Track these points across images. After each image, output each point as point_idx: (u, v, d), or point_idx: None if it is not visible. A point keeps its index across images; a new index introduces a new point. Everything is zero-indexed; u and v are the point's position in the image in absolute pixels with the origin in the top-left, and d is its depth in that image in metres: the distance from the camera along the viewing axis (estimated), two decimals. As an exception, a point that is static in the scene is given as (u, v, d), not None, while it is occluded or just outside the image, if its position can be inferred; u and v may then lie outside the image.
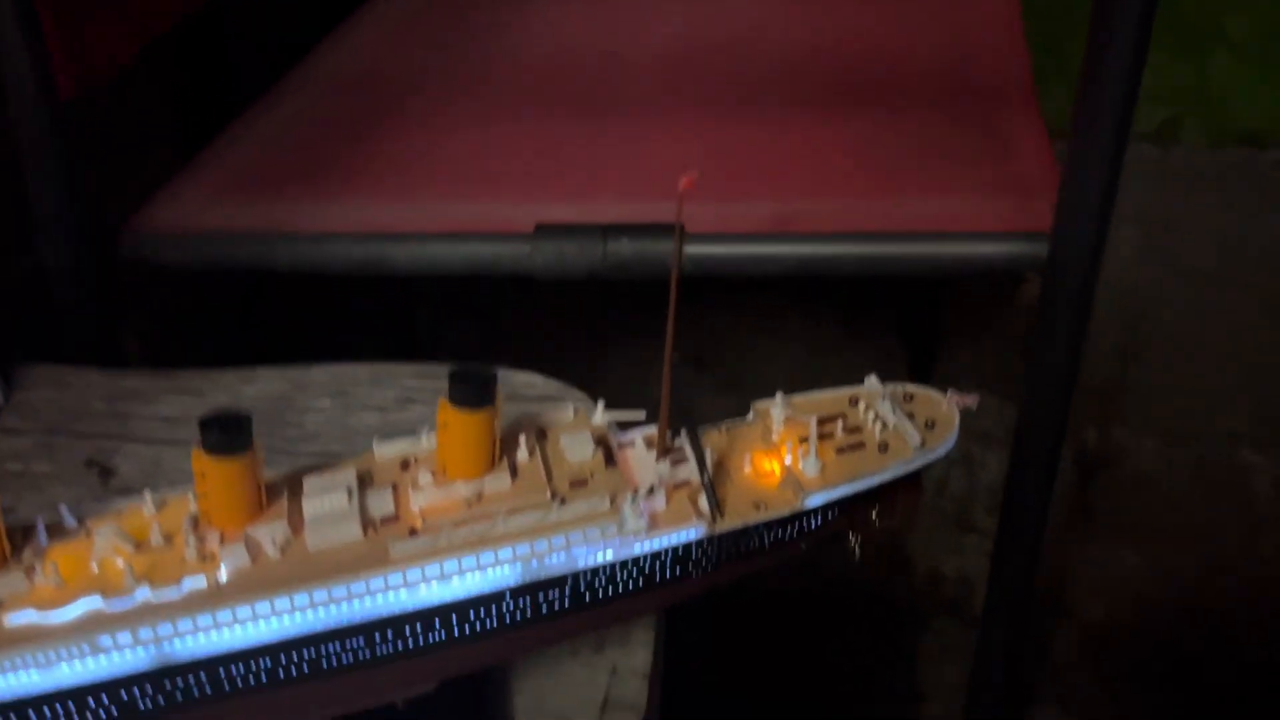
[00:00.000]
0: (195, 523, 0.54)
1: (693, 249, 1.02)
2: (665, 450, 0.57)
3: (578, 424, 0.59)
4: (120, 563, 0.53)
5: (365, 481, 0.56)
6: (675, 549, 0.56)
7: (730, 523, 0.56)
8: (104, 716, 0.53)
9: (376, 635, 0.54)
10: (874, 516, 0.61)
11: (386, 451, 0.58)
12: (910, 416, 0.59)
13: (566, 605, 0.56)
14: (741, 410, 0.61)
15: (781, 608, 1.44)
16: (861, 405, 0.60)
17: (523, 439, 0.56)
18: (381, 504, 0.55)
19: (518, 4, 1.48)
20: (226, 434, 0.51)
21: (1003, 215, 0.99)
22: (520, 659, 0.62)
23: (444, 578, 0.53)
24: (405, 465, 0.58)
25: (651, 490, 0.55)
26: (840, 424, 0.59)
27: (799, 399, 0.61)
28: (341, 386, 0.92)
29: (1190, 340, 1.81)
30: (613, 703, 0.67)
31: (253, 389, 0.93)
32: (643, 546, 0.55)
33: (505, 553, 0.53)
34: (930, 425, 0.59)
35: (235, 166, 1.18)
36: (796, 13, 1.41)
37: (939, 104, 1.19)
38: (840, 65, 1.28)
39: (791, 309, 1.96)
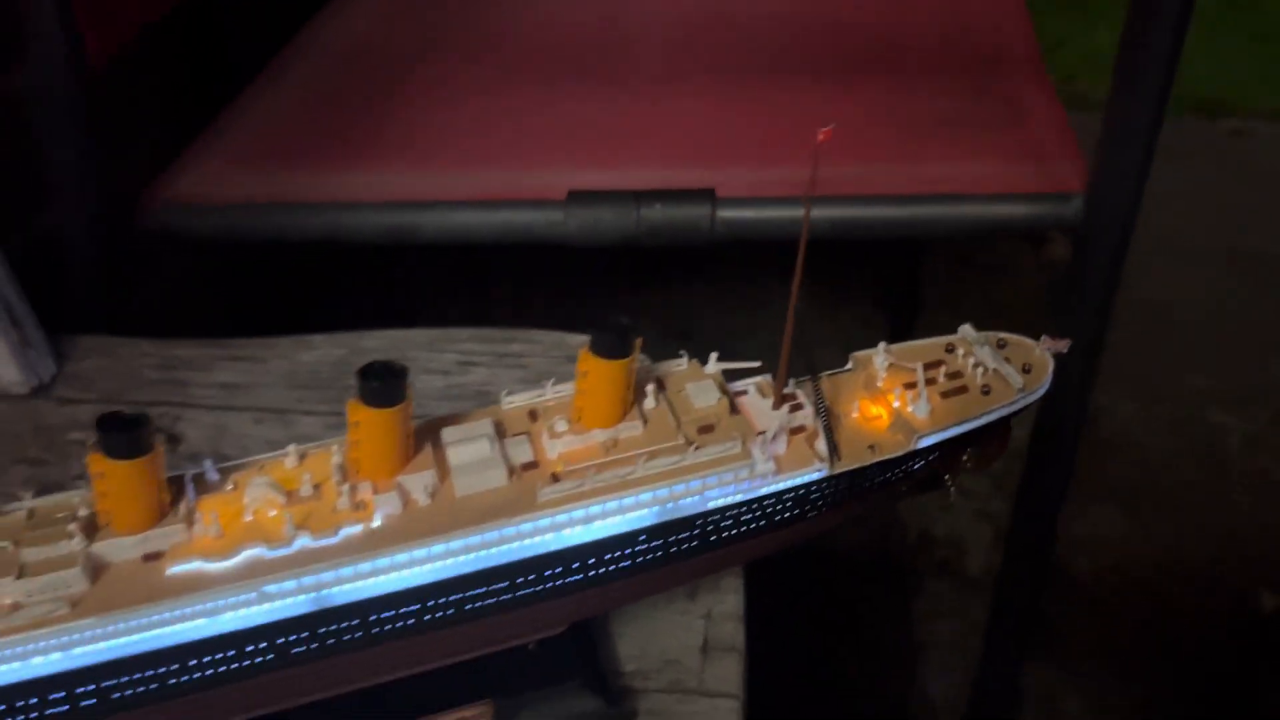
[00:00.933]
0: (344, 473, 0.55)
1: (726, 213, 1.04)
2: (783, 398, 0.60)
3: (694, 373, 0.61)
4: (273, 513, 0.54)
5: (499, 431, 0.58)
6: (797, 490, 0.59)
7: (847, 464, 0.59)
8: (261, 662, 0.55)
9: (519, 578, 0.56)
10: (965, 458, 0.65)
11: (514, 402, 0.60)
12: (1006, 361, 0.63)
13: (693, 546, 0.59)
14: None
15: (788, 566, 1.49)
16: (960, 352, 0.64)
17: (650, 388, 0.59)
18: (520, 452, 0.57)
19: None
20: (385, 385, 0.53)
21: (1025, 177, 1.03)
22: (644, 600, 0.64)
23: (587, 520, 0.55)
24: (533, 415, 0.60)
25: (774, 435, 0.58)
26: (942, 370, 0.62)
27: (897, 348, 0.64)
28: (400, 351, 0.93)
29: (1157, 306, 1.88)
30: (712, 645, 0.70)
31: (310, 355, 0.94)
32: (769, 487, 0.58)
33: (645, 495, 0.56)
34: (1026, 369, 0.62)
35: (250, 137, 1.18)
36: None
37: (949, 71, 1.23)
38: (850, 34, 1.31)
39: (772, 282, 2.00)
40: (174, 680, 0.54)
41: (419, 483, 0.55)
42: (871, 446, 0.60)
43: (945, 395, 0.61)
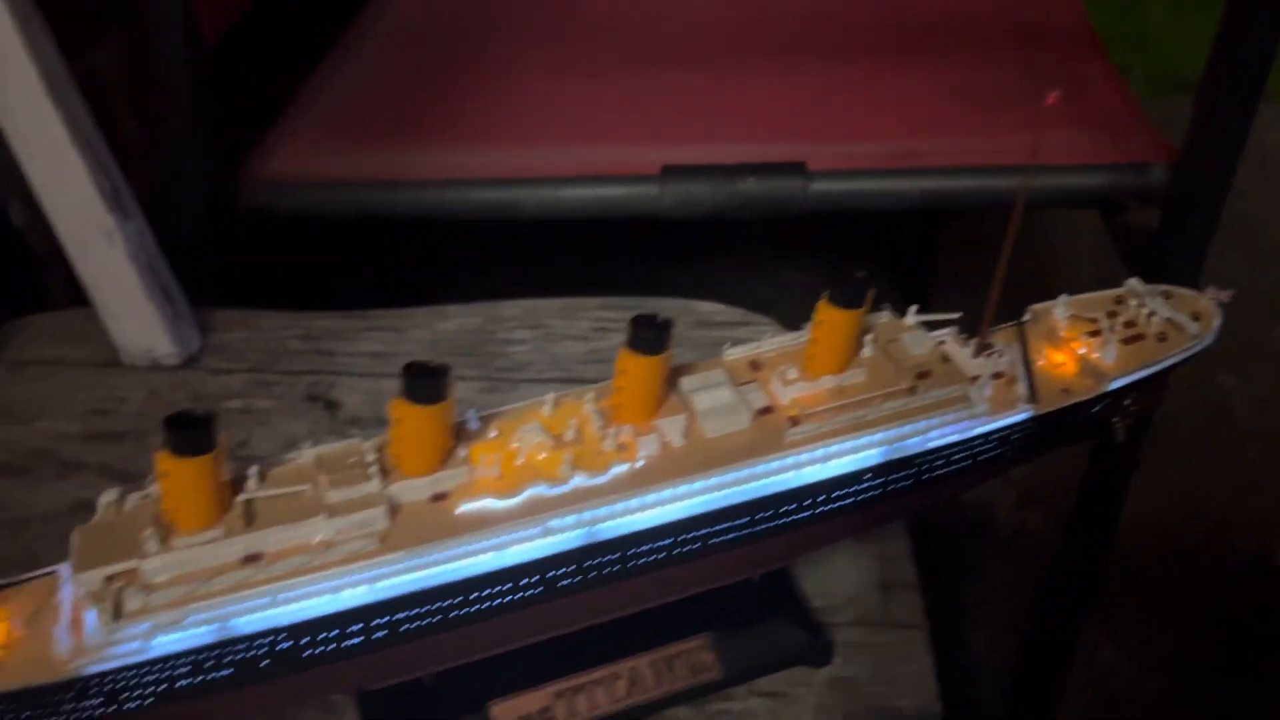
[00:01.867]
0: (604, 418, 0.60)
1: (820, 185, 1.09)
2: (985, 346, 0.65)
3: (895, 324, 0.66)
4: (543, 455, 0.58)
5: (730, 380, 0.63)
6: (1003, 431, 0.64)
7: (1047, 406, 0.64)
8: (530, 595, 0.59)
9: (758, 514, 0.61)
10: (1127, 404, 0.70)
11: (735, 354, 0.65)
12: (1175, 311, 0.68)
13: (905, 486, 0.64)
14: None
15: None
16: (1132, 303, 0.69)
17: (868, 338, 0.64)
18: (755, 398, 0.62)
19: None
20: (655, 336, 0.57)
21: (1101, 148, 1.09)
22: (858, 537, 0.69)
23: (825, 459, 0.60)
24: (754, 365, 0.64)
25: (985, 379, 0.63)
26: (1118, 320, 0.68)
27: (1072, 300, 0.70)
28: (535, 320, 0.97)
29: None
30: (889, 582, 0.75)
31: (449, 325, 0.97)
32: (981, 428, 0.63)
33: (877, 435, 0.61)
34: (1195, 317, 0.68)
35: (336, 115, 1.20)
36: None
37: (1010, 45, 1.28)
38: (908, 9, 1.36)
39: (783, 256, 2.05)
40: (455, 613, 0.58)
41: (673, 426, 0.59)
42: (1064, 390, 0.65)
43: (1125, 342, 0.67)
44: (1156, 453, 1.72)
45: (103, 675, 0.52)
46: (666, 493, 0.58)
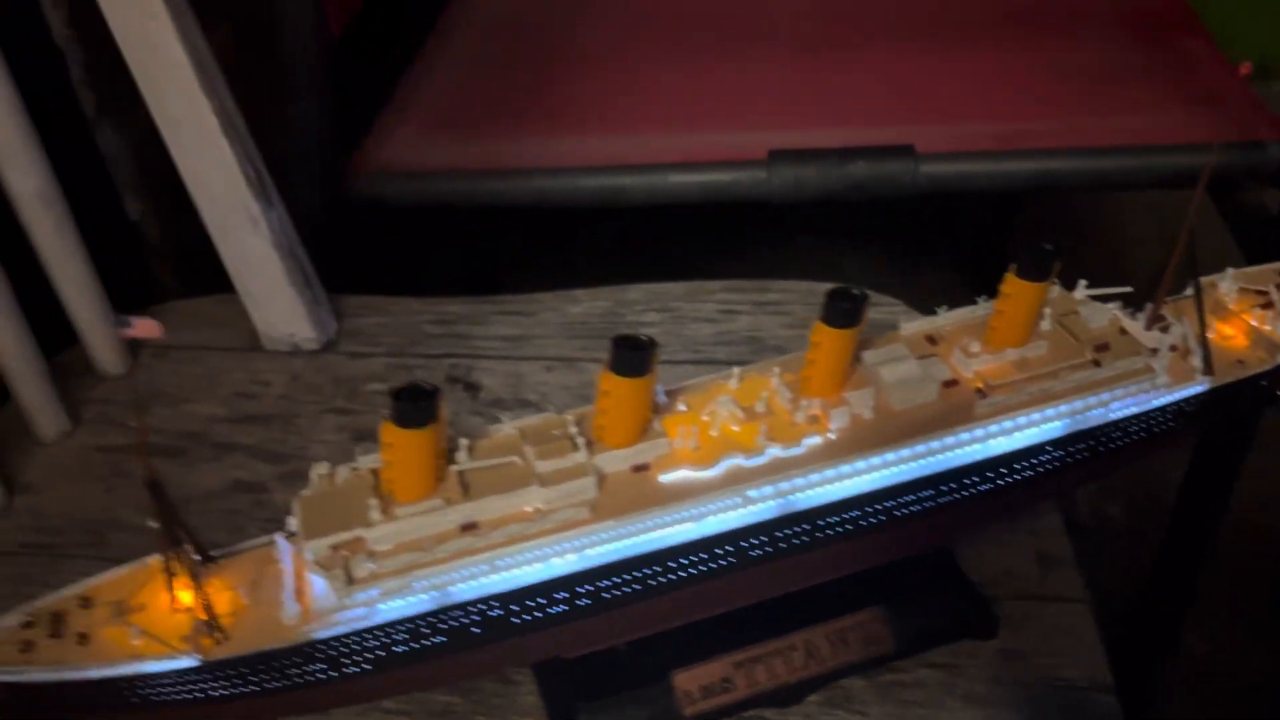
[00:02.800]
0: (794, 391, 0.60)
1: (929, 167, 1.09)
2: (1158, 319, 0.66)
3: (1066, 299, 0.67)
4: (736, 428, 0.59)
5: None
6: (1180, 403, 0.64)
7: (1223, 378, 0.65)
8: (724, 565, 0.60)
9: (942, 486, 0.62)
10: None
11: (911, 328, 0.65)
12: (1344, 286, 0.69)
13: (1083, 459, 0.65)
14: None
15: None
16: (1301, 276, 0.69)
17: (1047, 311, 0.64)
18: (938, 370, 0.62)
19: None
20: (852, 307, 0.58)
21: (1212, 126, 1.09)
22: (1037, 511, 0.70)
23: (1014, 430, 0.61)
24: (930, 340, 0.65)
25: (1163, 352, 0.63)
26: (1284, 293, 0.68)
27: (1239, 272, 0.70)
28: (662, 303, 0.98)
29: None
30: (1045, 556, 0.76)
31: (578, 309, 0.98)
32: (1160, 400, 0.64)
33: (1063, 407, 0.61)
34: (1361, 292, 0.68)
35: (441, 105, 1.21)
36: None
37: (1113, 24, 1.28)
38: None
39: (841, 244, 2.05)
40: (652, 582, 0.59)
41: (862, 399, 0.60)
42: (1238, 361, 0.65)
43: (1294, 315, 0.67)
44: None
45: (329, 640, 0.54)
46: (861, 464, 0.59)
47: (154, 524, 0.52)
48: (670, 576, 0.59)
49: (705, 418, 0.60)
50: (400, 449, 0.53)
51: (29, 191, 0.83)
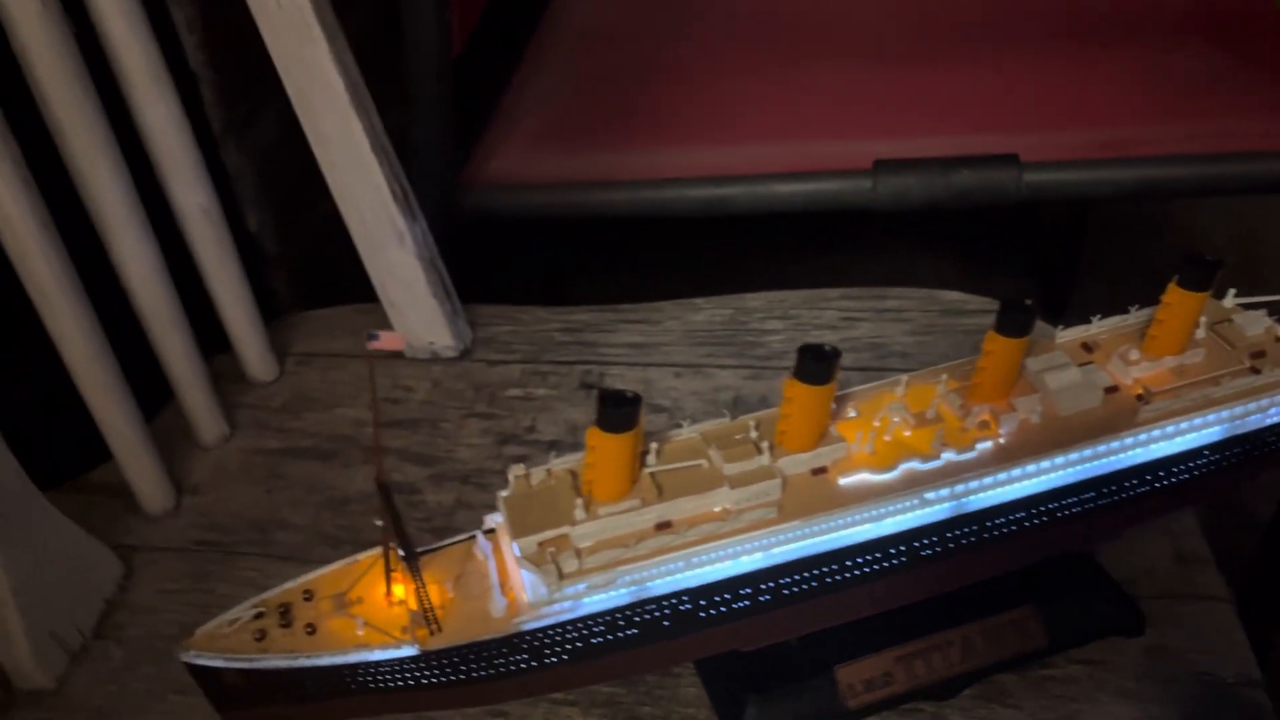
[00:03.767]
0: (963, 398, 0.63)
1: (1033, 176, 1.11)
2: (1307, 327, 0.68)
3: (1217, 307, 0.69)
4: (908, 433, 0.62)
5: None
6: (1335, 409, 0.66)
7: (1373, 384, 0.66)
8: (896, 565, 0.62)
9: (1106, 488, 0.64)
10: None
11: (1067, 337, 0.68)
12: None
13: (1234, 464, 0.67)
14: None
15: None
16: None
17: (1203, 319, 0.66)
18: (1099, 377, 0.65)
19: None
20: (1023, 317, 0.60)
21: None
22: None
23: (1177, 435, 0.63)
24: (1086, 347, 0.67)
25: (1317, 358, 0.65)
26: None
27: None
28: (783, 311, 1.01)
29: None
30: (1185, 555, 0.78)
31: (700, 316, 1.01)
32: (1316, 406, 0.65)
33: (1224, 413, 0.63)
34: None
35: (545, 119, 1.24)
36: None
37: (1203, 29, 1.29)
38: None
39: (918, 251, 2.06)
40: (829, 580, 0.62)
41: (1029, 405, 0.63)
42: (1380, 368, 0.67)
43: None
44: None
45: (535, 632, 0.57)
46: (1032, 467, 0.61)
47: (379, 522, 0.55)
48: (845, 575, 0.62)
49: (877, 423, 0.62)
50: (604, 451, 0.56)
51: (194, 205, 0.87)
